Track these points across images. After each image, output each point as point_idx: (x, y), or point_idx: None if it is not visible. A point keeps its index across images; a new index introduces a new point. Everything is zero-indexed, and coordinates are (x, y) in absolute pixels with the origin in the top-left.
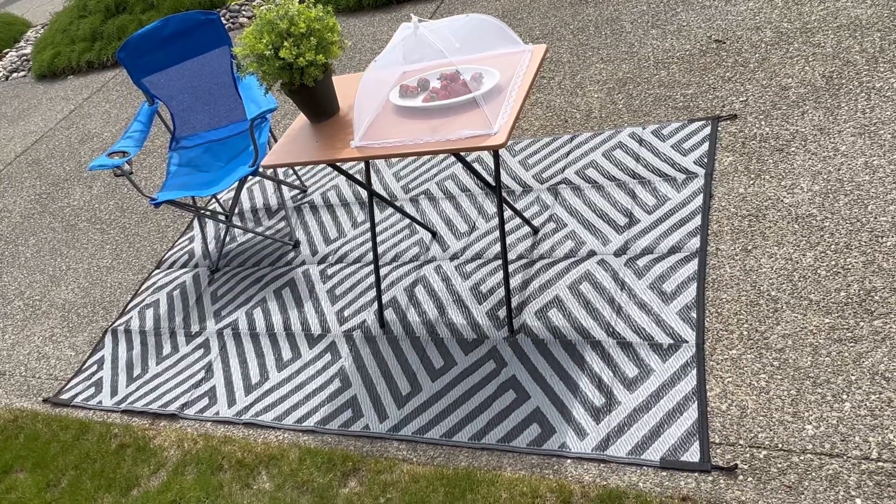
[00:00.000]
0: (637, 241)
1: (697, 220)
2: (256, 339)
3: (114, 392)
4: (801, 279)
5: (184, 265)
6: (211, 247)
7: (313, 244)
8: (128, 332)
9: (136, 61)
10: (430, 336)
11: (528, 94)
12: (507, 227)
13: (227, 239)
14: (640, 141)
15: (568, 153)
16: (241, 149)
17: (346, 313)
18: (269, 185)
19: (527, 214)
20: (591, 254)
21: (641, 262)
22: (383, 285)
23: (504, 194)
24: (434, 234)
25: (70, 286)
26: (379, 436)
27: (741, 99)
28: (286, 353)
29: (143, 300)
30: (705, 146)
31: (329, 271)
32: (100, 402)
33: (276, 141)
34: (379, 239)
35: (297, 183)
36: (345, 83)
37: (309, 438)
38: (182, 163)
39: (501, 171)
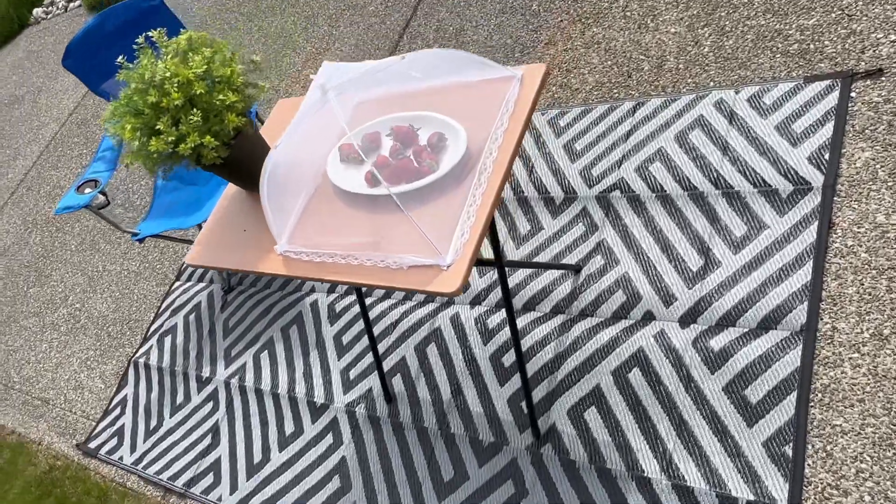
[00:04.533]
0: (714, 303)
1: (806, 272)
2: (261, 399)
3: (133, 447)
4: None
5: (200, 278)
6: None
7: None
8: (147, 367)
9: (85, 67)
10: (440, 428)
11: (507, 175)
12: (538, 256)
13: None
14: (731, 116)
15: (628, 133)
16: None
17: (350, 374)
18: None
19: (568, 239)
20: (648, 317)
21: (717, 343)
22: (395, 333)
23: (541, 201)
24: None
25: (104, 294)
26: None
27: (892, 38)
28: (288, 426)
29: (162, 325)
30: (828, 129)
31: (338, 307)
32: (121, 457)
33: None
34: None
35: None
36: (290, 112)
37: None
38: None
39: (540, 161)
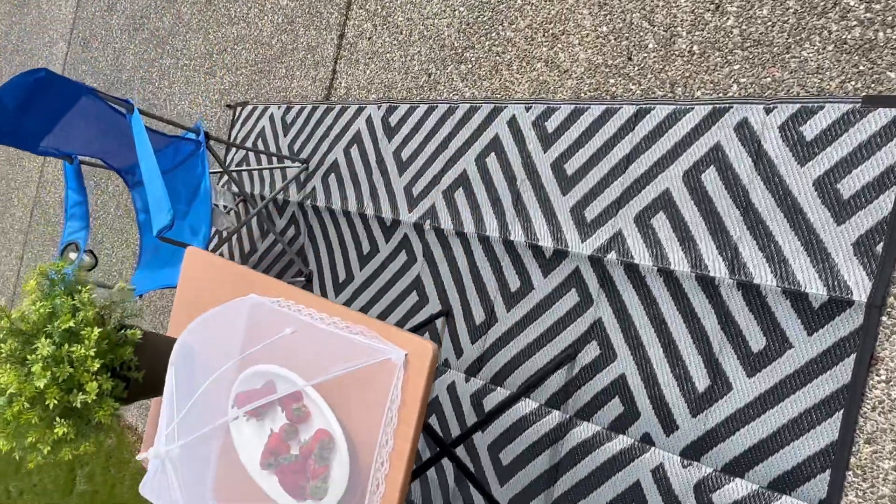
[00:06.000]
0: (720, 443)
1: (834, 427)
2: None
3: None
4: None
5: None
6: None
7: (324, 279)
8: None
9: (12, 138)
10: None
11: None
12: (531, 325)
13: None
14: (757, 153)
15: (629, 158)
16: (195, 181)
17: None
18: (256, 174)
19: (561, 309)
20: (647, 442)
21: (721, 499)
22: None
23: (529, 251)
24: (447, 314)
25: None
26: None
27: None
28: None
29: None
30: (888, 201)
31: None
32: None
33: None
34: (371, 298)
35: (286, 162)
36: (199, 268)
37: None
38: (145, 207)
39: (526, 184)
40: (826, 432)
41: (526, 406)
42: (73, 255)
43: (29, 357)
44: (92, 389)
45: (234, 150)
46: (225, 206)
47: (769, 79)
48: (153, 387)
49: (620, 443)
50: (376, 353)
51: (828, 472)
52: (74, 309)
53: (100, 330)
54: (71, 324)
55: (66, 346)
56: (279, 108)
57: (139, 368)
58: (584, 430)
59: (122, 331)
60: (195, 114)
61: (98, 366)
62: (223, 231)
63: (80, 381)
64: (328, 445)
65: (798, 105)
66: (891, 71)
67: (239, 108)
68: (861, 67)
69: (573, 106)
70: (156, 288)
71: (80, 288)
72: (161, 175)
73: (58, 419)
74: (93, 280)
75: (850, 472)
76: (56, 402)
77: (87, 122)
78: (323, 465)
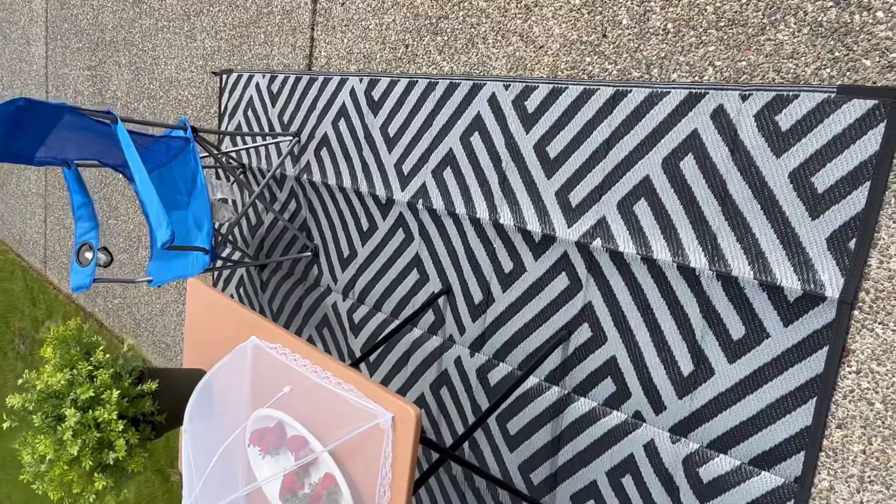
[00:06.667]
0: (705, 423)
1: (808, 413)
2: None
3: None
4: None
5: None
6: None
7: (329, 254)
8: None
9: (7, 156)
10: (466, 479)
11: None
12: (526, 306)
13: (254, 222)
14: (734, 142)
15: (608, 142)
16: (191, 175)
17: None
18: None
19: (553, 291)
20: (638, 419)
21: (708, 473)
22: (403, 359)
23: (519, 234)
24: (448, 291)
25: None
26: None
27: None
28: None
29: None
30: (860, 197)
31: (356, 316)
32: None
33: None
34: (385, 284)
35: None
36: (199, 301)
37: None
38: None
39: (511, 166)
40: (801, 417)
41: (527, 382)
42: (88, 255)
43: (59, 427)
44: (121, 447)
45: (227, 118)
46: (223, 199)
47: (744, 62)
48: (178, 420)
49: (615, 418)
50: (367, 415)
51: (802, 452)
52: (91, 375)
53: (118, 391)
54: (91, 392)
55: (91, 411)
56: (264, 77)
57: (161, 411)
58: (581, 405)
59: (139, 385)
60: (183, 80)
61: (122, 426)
62: (225, 223)
63: (109, 439)
64: (335, 491)
65: (773, 93)
66: (866, 58)
67: (225, 76)
68: (836, 53)
69: (551, 86)
70: (172, 279)
71: (94, 347)
72: (157, 179)
73: (96, 474)
74: (112, 277)
75: (823, 454)
76: (91, 462)
77: (75, 133)
78: None
